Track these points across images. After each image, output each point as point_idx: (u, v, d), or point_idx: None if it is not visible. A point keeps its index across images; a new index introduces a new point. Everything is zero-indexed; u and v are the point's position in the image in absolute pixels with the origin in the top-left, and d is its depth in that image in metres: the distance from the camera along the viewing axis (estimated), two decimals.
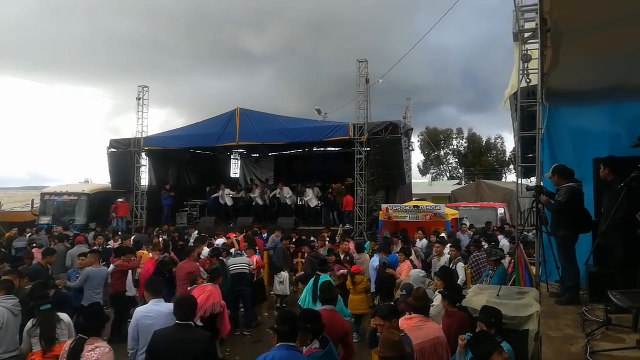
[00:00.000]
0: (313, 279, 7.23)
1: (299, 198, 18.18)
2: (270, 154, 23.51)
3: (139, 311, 4.83)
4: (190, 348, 3.94)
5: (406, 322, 4.42)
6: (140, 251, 10.35)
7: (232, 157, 24.69)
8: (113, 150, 19.51)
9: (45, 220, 19.05)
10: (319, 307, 6.49)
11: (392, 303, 6.00)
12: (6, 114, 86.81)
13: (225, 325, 7.05)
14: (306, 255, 10.16)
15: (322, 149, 21.62)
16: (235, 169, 25.07)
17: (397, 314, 4.26)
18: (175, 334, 4.12)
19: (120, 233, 14.58)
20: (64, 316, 5.08)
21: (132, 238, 12.19)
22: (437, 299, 5.50)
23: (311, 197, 17.65)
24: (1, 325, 4.85)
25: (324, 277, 7.14)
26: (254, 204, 18.46)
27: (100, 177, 23.45)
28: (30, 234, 14.61)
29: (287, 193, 17.84)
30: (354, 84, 16.73)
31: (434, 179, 49.66)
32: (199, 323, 6.33)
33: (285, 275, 9.99)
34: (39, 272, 7.36)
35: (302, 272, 9.44)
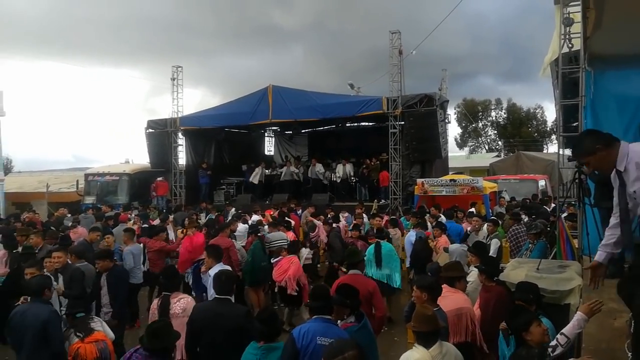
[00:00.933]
0: (374, 246, 7.87)
1: (332, 174, 18.17)
2: (303, 131, 23.52)
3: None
4: (227, 322, 4.04)
5: None
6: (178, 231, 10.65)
7: (266, 134, 24.84)
8: (151, 130, 19.98)
9: (89, 199, 19.90)
10: (383, 271, 7.62)
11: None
12: (49, 99, 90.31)
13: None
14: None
15: (356, 124, 21.41)
16: (269, 147, 25.25)
17: (432, 287, 4.19)
18: (214, 307, 4.25)
19: (163, 211, 15.05)
20: (96, 319, 4.90)
21: (172, 217, 12.58)
22: (473, 275, 5.42)
23: (344, 173, 17.60)
24: None
25: (385, 245, 7.92)
26: (287, 180, 18.57)
27: (140, 157, 24.09)
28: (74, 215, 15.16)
29: (319, 169, 17.86)
30: (386, 56, 16.38)
31: (471, 152, 48.51)
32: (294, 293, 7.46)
33: (305, 251, 9.61)
34: (86, 248, 7.61)
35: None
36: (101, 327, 4.73)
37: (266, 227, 9.92)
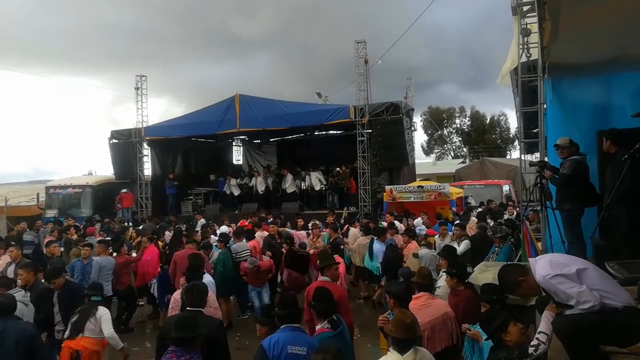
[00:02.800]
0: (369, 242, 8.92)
1: (302, 182, 18.17)
2: (271, 139, 23.46)
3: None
4: None
5: (413, 302, 4.41)
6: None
7: (234, 143, 24.62)
8: (114, 141, 19.48)
9: (51, 213, 19.13)
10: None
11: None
12: (6, 110, 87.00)
13: None
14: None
15: (324, 132, 21.55)
16: (237, 156, 25.03)
17: (406, 294, 4.21)
18: None
19: (127, 223, 14.67)
20: (101, 312, 5.15)
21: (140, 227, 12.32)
22: (442, 279, 5.50)
23: (314, 181, 17.62)
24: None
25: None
26: (256, 190, 18.43)
27: (104, 169, 23.48)
28: (39, 229, 14.67)
29: (289, 179, 17.83)
30: (352, 65, 16.59)
31: (438, 159, 49.50)
32: None
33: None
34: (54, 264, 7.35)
35: None
36: (94, 332, 4.97)
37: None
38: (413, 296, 4.59)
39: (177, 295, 5.04)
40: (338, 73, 57.95)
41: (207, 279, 5.96)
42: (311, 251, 9.24)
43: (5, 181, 34.53)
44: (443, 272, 5.61)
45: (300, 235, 10.66)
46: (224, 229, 11.82)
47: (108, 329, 5.06)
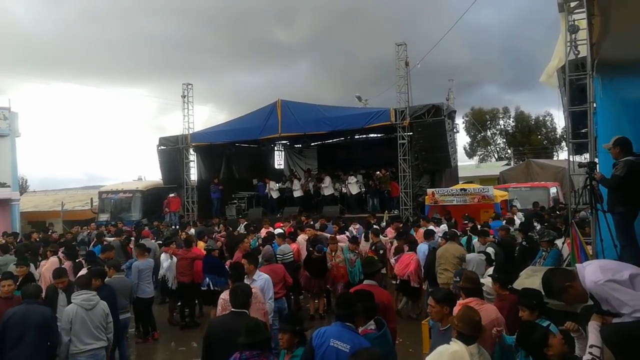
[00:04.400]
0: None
1: (341, 186, 18.24)
2: (312, 144, 23.72)
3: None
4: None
5: None
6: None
7: (276, 148, 25.02)
8: (162, 147, 20.24)
9: (103, 217, 20.15)
10: None
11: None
12: (61, 119, 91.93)
13: None
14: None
15: (364, 136, 21.58)
16: (279, 160, 25.41)
17: (451, 299, 4.18)
18: (229, 321, 4.24)
19: (174, 227, 15.22)
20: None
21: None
22: (487, 283, 5.40)
23: (354, 185, 17.64)
24: (70, 320, 5.18)
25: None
26: (297, 194, 18.64)
27: (152, 174, 24.45)
28: (88, 232, 15.42)
29: (327, 183, 17.96)
30: (391, 68, 16.57)
31: (481, 161, 48.30)
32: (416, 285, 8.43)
33: None
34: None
35: None
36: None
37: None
38: (462, 301, 4.51)
39: (224, 295, 5.21)
40: (377, 76, 57.76)
41: (264, 276, 6.08)
42: (330, 263, 8.92)
43: (60, 187, 36.45)
44: (488, 275, 5.52)
45: (340, 239, 10.65)
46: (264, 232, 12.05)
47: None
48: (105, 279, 6.30)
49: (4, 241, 12.33)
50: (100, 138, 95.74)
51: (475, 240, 8.74)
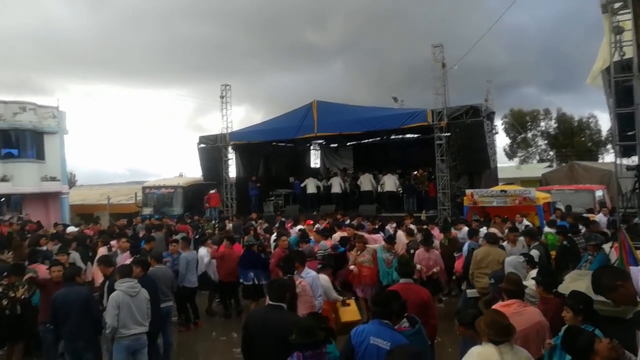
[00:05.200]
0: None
1: (379, 185, 18.25)
2: (348, 143, 23.80)
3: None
4: (277, 329, 4.06)
5: (504, 309, 4.21)
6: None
7: (312, 147, 25.27)
8: (202, 145, 20.77)
9: (147, 211, 20.96)
10: None
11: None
12: (105, 118, 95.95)
13: None
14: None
15: (400, 136, 21.50)
16: (315, 159, 25.67)
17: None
18: (266, 314, 4.37)
19: (214, 222, 15.69)
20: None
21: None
22: (530, 286, 5.34)
23: (390, 184, 17.62)
24: (117, 305, 5.48)
25: None
26: (333, 192, 18.77)
27: (193, 171, 25.20)
28: (135, 224, 16.11)
29: (364, 181, 17.97)
30: (425, 69, 16.53)
31: (521, 162, 47.04)
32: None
33: None
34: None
35: None
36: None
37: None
38: (503, 303, 4.48)
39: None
40: (412, 78, 57.26)
41: (312, 274, 6.14)
42: (352, 267, 8.34)
43: (104, 181, 37.98)
44: (531, 278, 5.47)
45: (376, 238, 10.63)
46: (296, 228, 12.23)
47: None
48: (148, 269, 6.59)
49: (54, 231, 13.07)
50: (143, 136, 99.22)
51: (505, 243, 8.62)
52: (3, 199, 21.90)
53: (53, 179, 22.56)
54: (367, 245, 8.72)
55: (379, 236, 10.69)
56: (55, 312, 5.75)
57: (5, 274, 6.60)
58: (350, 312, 6.55)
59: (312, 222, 13.18)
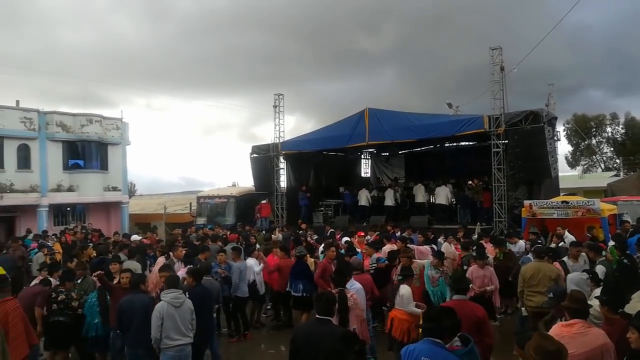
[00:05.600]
0: None
1: (430, 196, 17.77)
2: (400, 152, 23.43)
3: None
4: (323, 342, 3.95)
5: (565, 329, 3.99)
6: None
7: (362, 156, 25.11)
8: (255, 155, 21.18)
9: (201, 220, 21.61)
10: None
11: None
12: (162, 128, 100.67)
13: None
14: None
15: (455, 144, 20.90)
16: (365, 169, 25.46)
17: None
18: (314, 327, 4.37)
19: (264, 232, 15.85)
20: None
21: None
22: (594, 305, 4.95)
23: (443, 195, 17.10)
24: (161, 317, 5.52)
25: None
26: (385, 204, 18.48)
27: (246, 180, 25.74)
28: (189, 234, 16.59)
29: (418, 191, 17.56)
30: (481, 73, 16.15)
31: (585, 171, 44.42)
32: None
33: None
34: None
35: None
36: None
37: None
38: (564, 323, 4.22)
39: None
40: (467, 83, 55.89)
41: (356, 285, 6.13)
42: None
43: (162, 191, 39.61)
44: (595, 297, 5.07)
45: (424, 251, 10.25)
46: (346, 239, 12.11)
47: None
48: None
49: (114, 239, 13.69)
50: (198, 146, 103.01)
51: (565, 258, 8.02)
52: (69, 208, 23.24)
53: (115, 188, 23.76)
54: (414, 260, 8.28)
55: (428, 249, 10.26)
56: (120, 317, 5.96)
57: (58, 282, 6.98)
58: None
59: (363, 233, 13.00)
